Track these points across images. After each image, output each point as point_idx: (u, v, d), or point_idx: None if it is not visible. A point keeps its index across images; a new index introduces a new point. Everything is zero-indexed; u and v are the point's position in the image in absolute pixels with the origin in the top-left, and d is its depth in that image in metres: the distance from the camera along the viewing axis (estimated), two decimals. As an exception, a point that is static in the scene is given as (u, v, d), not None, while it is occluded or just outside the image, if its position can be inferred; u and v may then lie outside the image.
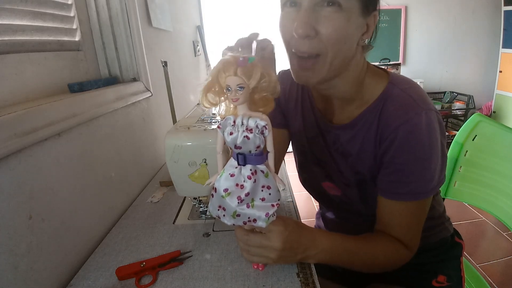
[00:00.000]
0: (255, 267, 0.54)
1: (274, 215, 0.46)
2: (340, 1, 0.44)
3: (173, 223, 0.71)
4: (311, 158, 0.68)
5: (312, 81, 0.51)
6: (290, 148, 0.74)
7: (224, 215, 0.46)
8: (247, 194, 0.43)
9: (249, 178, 0.43)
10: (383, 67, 0.62)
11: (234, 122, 0.41)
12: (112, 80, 0.85)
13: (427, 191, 0.52)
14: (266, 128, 0.41)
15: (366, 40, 0.52)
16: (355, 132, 0.57)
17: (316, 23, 0.45)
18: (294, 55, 0.50)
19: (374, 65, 0.59)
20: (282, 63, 0.58)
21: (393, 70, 2.55)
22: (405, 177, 0.52)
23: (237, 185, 0.44)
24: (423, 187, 0.52)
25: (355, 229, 0.59)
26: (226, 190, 0.44)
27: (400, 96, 0.52)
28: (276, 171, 0.71)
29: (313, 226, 0.82)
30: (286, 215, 0.72)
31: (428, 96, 0.53)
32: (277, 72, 0.71)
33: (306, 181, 0.74)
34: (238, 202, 0.43)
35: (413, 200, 0.53)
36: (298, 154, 0.73)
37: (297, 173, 0.77)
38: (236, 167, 0.44)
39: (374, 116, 0.54)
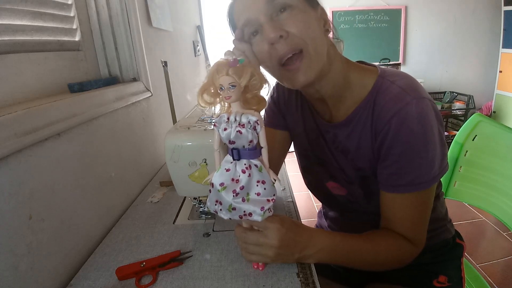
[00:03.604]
0: (255, 267, 0.54)
1: (271, 210, 0.47)
2: (288, 2, 0.47)
3: (173, 223, 0.71)
4: (314, 160, 0.68)
5: (308, 76, 0.50)
6: (291, 148, 0.74)
7: (220, 209, 0.47)
8: (242, 188, 0.45)
9: (244, 172, 0.45)
10: (374, 63, 0.63)
11: (228, 119, 0.44)
12: (112, 80, 0.85)
13: (427, 180, 0.51)
14: (258, 124, 0.43)
15: (331, 34, 0.55)
16: (351, 129, 0.57)
17: (282, 27, 0.47)
18: (281, 68, 0.51)
19: (360, 62, 0.60)
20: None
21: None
22: (402, 168, 0.51)
23: (232, 179, 0.46)
24: (422, 177, 0.51)
25: (360, 228, 0.58)
26: (222, 184, 0.46)
27: (390, 88, 0.52)
28: (277, 172, 0.72)
29: (313, 226, 0.82)
30: (286, 215, 0.72)
31: (420, 85, 0.52)
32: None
33: (311, 183, 0.74)
34: (234, 196, 0.45)
35: (413, 191, 0.52)
36: (301, 158, 0.73)
37: (297, 174, 0.77)
38: (231, 162, 0.46)
39: (367, 110, 0.54)
